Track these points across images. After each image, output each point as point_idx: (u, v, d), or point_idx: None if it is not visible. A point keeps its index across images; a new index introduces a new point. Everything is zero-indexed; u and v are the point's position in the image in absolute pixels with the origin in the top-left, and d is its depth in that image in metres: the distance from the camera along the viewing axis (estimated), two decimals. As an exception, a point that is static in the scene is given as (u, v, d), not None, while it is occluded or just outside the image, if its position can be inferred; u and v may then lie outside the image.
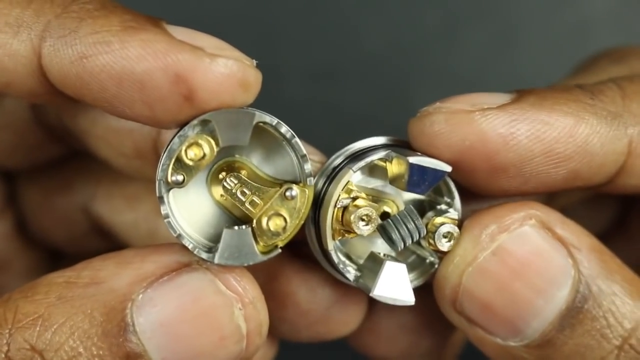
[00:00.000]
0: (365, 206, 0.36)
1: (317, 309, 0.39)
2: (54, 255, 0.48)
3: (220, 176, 0.36)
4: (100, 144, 0.43)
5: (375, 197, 0.37)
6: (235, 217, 0.36)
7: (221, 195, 0.36)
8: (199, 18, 0.68)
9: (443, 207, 0.37)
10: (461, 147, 0.35)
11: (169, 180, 0.34)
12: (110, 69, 0.33)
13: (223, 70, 0.33)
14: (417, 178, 0.35)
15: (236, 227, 0.35)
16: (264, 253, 0.35)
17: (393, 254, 0.38)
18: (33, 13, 0.34)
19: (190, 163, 0.34)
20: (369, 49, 0.69)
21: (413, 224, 0.36)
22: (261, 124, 0.34)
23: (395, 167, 0.36)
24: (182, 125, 0.34)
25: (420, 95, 0.68)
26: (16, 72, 0.34)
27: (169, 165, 0.34)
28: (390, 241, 0.36)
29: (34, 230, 0.47)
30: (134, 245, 0.45)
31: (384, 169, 0.37)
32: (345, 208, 0.36)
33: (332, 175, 0.37)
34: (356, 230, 0.36)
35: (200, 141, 0.34)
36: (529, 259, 0.35)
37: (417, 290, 0.36)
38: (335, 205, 0.36)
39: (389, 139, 0.38)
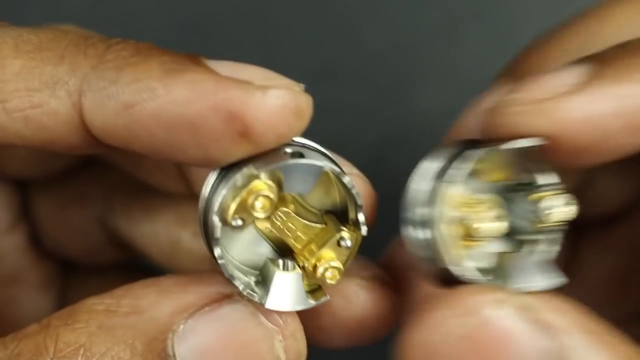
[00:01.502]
0: (486, 222, 0.34)
1: (353, 316, 0.39)
2: (66, 266, 0.48)
3: None
4: (122, 157, 0.43)
5: (489, 203, 0.36)
6: (272, 243, 0.36)
7: (266, 227, 0.35)
8: (199, 18, 0.68)
9: (540, 182, 0.36)
10: (542, 136, 0.34)
11: (230, 223, 0.33)
12: (158, 116, 0.32)
13: (276, 101, 0.32)
14: (516, 161, 0.34)
15: (288, 272, 0.34)
16: (312, 296, 0.35)
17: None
18: (68, 68, 0.33)
19: (255, 213, 0.33)
20: (369, 48, 0.69)
21: (527, 211, 0.35)
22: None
23: (488, 163, 0.35)
24: (229, 165, 0.33)
25: (420, 95, 0.68)
26: (57, 130, 0.34)
27: (230, 207, 0.32)
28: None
29: (48, 242, 0.46)
30: (153, 257, 0.44)
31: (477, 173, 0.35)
32: (461, 221, 0.35)
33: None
34: (485, 248, 0.35)
35: (266, 192, 0.33)
36: (494, 345, 0.33)
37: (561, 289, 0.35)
38: (447, 223, 0.34)
39: (455, 145, 0.36)
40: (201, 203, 0.34)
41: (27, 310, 0.46)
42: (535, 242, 0.36)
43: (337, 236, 0.35)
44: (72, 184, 0.45)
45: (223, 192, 0.33)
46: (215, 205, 0.33)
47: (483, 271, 0.35)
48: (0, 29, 0.35)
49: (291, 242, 0.35)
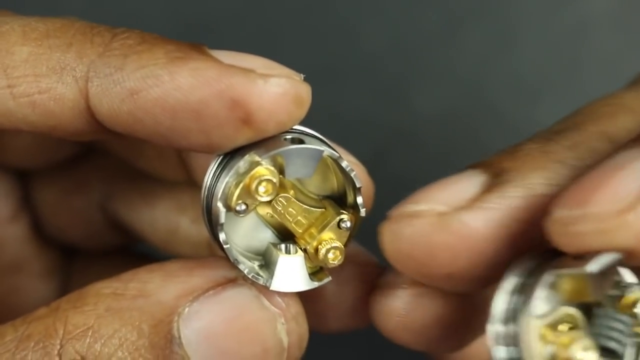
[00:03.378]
0: (579, 345, 0.31)
1: (345, 301, 0.39)
2: (69, 252, 0.48)
3: None
4: (122, 145, 0.43)
5: (570, 318, 0.32)
6: (273, 228, 0.37)
7: (267, 213, 0.36)
8: (199, 18, 0.68)
9: (623, 282, 0.32)
10: (619, 250, 0.31)
11: (234, 209, 0.34)
12: (163, 102, 0.32)
13: (277, 89, 0.32)
14: (597, 283, 0.31)
15: (291, 255, 0.36)
16: (315, 278, 0.36)
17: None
18: (75, 55, 0.34)
19: (259, 198, 0.34)
20: (369, 48, 0.69)
21: (617, 322, 0.32)
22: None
23: (568, 285, 0.32)
24: (230, 152, 0.34)
25: (420, 95, 0.68)
26: (63, 115, 0.34)
27: (234, 193, 0.33)
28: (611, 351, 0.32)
29: (50, 229, 0.47)
30: (153, 243, 0.45)
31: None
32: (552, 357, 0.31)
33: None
34: None
35: (270, 177, 0.33)
36: None
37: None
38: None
39: (534, 258, 0.34)
40: (203, 190, 0.35)
41: (31, 298, 0.47)
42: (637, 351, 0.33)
43: (338, 218, 0.35)
44: (73, 172, 0.46)
45: (227, 179, 0.33)
46: (219, 192, 0.34)
47: None
48: (8, 17, 0.36)
49: (292, 226, 0.36)
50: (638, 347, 0.33)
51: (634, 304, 0.31)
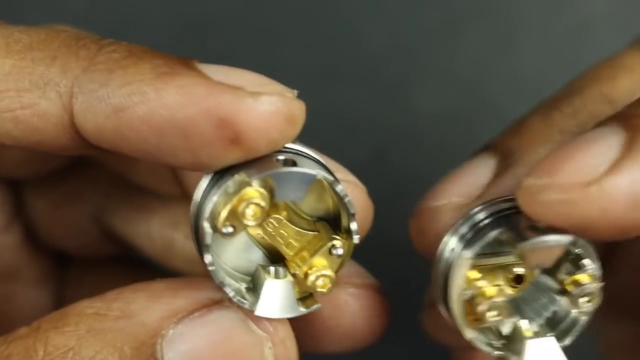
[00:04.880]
0: (492, 296, 0.34)
1: (343, 324, 0.39)
2: (63, 260, 0.48)
3: None
4: (113, 160, 0.42)
5: (502, 264, 0.35)
6: (264, 249, 0.36)
7: (258, 234, 0.35)
8: (199, 18, 0.68)
9: (580, 258, 0.34)
10: (585, 223, 0.32)
11: (221, 230, 0.32)
12: (149, 120, 0.31)
13: (268, 108, 0.31)
14: (538, 257, 0.33)
15: (279, 280, 0.34)
16: (302, 304, 0.35)
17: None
18: (59, 69, 0.33)
19: (246, 221, 0.32)
20: (369, 49, 0.69)
21: (544, 299, 0.35)
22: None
23: (513, 243, 0.34)
24: (221, 170, 0.33)
25: (420, 95, 0.68)
26: (46, 131, 0.33)
27: (221, 215, 0.32)
28: (528, 316, 0.35)
29: (43, 238, 0.46)
30: (148, 256, 0.44)
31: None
32: (472, 297, 0.35)
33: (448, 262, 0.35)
34: (487, 323, 0.34)
35: (257, 200, 0.32)
36: None
37: (565, 350, 0.35)
38: (459, 300, 0.35)
39: (493, 205, 0.35)
40: (193, 207, 0.34)
41: (25, 305, 0.46)
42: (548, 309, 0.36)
43: (329, 244, 0.34)
44: (65, 183, 0.45)
45: (214, 198, 0.32)
46: (207, 212, 0.32)
47: (494, 343, 0.35)
48: None
49: (283, 249, 0.35)
50: (551, 322, 0.35)
51: (574, 284, 0.34)
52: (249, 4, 0.69)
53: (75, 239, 0.46)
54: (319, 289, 0.34)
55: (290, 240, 0.35)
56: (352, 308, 0.39)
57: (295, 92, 0.33)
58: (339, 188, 0.34)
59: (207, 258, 0.33)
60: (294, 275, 0.35)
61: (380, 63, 0.69)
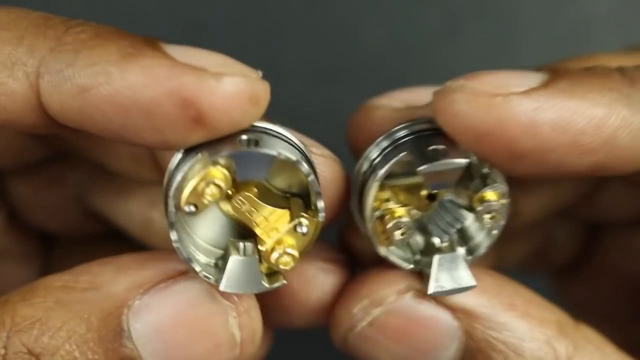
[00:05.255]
0: (399, 216, 0.35)
1: (312, 298, 0.39)
2: (49, 239, 0.48)
3: (229, 192, 0.35)
4: (92, 148, 0.43)
5: (413, 184, 0.36)
6: (236, 223, 0.36)
7: (229, 210, 0.36)
8: (199, 18, 0.68)
9: (488, 177, 0.36)
10: (480, 131, 0.33)
11: (183, 210, 0.33)
12: (113, 100, 0.32)
13: (230, 88, 0.32)
14: (437, 179, 0.34)
15: (243, 257, 0.35)
16: (268, 279, 0.35)
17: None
18: (26, 50, 0.33)
19: (205, 200, 0.33)
20: (369, 49, 0.69)
21: (450, 217, 0.36)
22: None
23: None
24: (191, 148, 0.33)
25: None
26: (14, 110, 0.34)
27: (181, 195, 0.33)
28: (439, 232, 0.37)
29: (27, 220, 0.47)
30: (130, 234, 0.45)
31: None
32: (382, 216, 0.36)
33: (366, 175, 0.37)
34: (395, 241, 0.36)
35: (217, 181, 0.33)
36: (408, 329, 0.36)
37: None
38: (372, 218, 0.36)
39: (411, 125, 0.37)
40: (163, 186, 0.35)
41: (11, 282, 0.46)
42: (464, 241, 0.38)
43: (296, 221, 0.35)
44: (47, 169, 0.46)
45: (177, 178, 0.33)
46: (171, 191, 0.33)
47: (410, 258, 0.37)
48: None
49: (252, 225, 0.35)
50: (461, 239, 0.38)
51: (481, 201, 0.35)
52: (248, 3, 0.69)
53: (59, 220, 0.47)
54: (281, 266, 0.35)
55: (260, 216, 0.35)
56: (320, 282, 0.39)
57: (260, 72, 0.33)
58: (304, 168, 0.34)
59: (173, 235, 0.33)
60: (259, 252, 0.35)
61: (380, 63, 0.69)
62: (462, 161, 0.34)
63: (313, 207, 0.35)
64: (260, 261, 0.35)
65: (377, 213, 0.36)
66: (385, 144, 0.36)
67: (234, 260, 0.35)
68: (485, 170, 0.35)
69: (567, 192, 0.45)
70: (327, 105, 0.66)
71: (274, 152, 0.33)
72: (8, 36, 0.34)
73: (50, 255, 0.48)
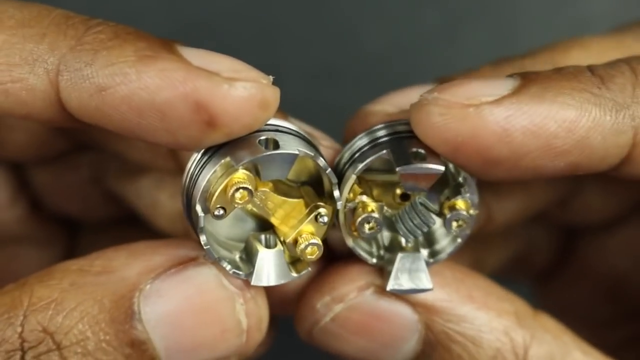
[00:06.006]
0: (370, 211, 0.36)
1: (289, 288, 0.40)
2: (72, 225, 0.49)
3: None
4: (110, 141, 0.44)
5: (392, 181, 0.37)
6: (254, 218, 0.38)
7: (247, 206, 0.36)
8: (199, 18, 0.68)
9: (460, 186, 0.37)
10: (455, 141, 0.34)
11: (213, 213, 0.34)
12: (130, 101, 0.33)
13: (241, 93, 0.33)
14: (412, 182, 0.35)
15: (270, 250, 0.36)
16: (294, 268, 0.37)
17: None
18: (47, 47, 0.34)
19: (235, 204, 0.34)
20: (369, 49, 0.69)
21: (419, 219, 0.37)
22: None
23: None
24: (209, 148, 0.34)
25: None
26: (34, 105, 0.35)
27: (212, 199, 0.34)
28: (406, 232, 0.37)
29: (48, 206, 0.48)
30: (140, 215, 0.46)
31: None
32: (354, 209, 0.37)
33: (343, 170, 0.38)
34: (362, 234, 0.37)
35: (245, 184, 0.34)
36: (369, 324, 0.37)
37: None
38: (344, 209, 0.37)
39: (393, 125, 0.38)
40: (183, 185, 0.36)
41: (32, 265, 0.48)
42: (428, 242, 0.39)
43: (316, 212, 0.36)
44: (64, 157, 0.47)
45: (204, 182, 0.34)
46: (197, 195, 0.34)
47: (375, 253, 0.38)
48: None
49: (271, 218, 0.36)
50: (426, 241, 0.39)
51: (450, 209, 0.36)
52: (249, 3, 0.69)
53: (79, 204, 0.48)
54: (308, 256, 0.36)
55: (277, 209, 0.36)
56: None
57: (271, 78, 0.34)
58: (321, 161, 0.35)
59: (202, 239, 0.35)
60: (283, 242, 0.36)
61: (380, 63, 0.69)
62: (439, 168, 0.35)
63: (326, 195, 0.36)
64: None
65: (350, 205, 0.36)
66: (366, 140, 0.37)
67: (262, 254, 0.36)
68: (460, 179, 0.36)
69: (539, 198, 0.45)
70: (327, 105, 0.66)
71: (295, 151, 0.35)
72: (30, 33, 0.35)
73: (76, 243, 0.50)
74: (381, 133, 0.37)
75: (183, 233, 0.44)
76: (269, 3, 0.69)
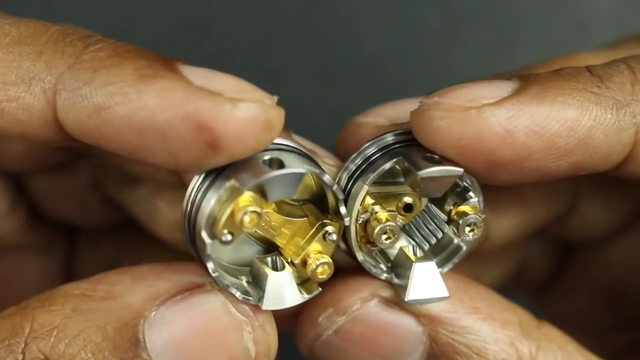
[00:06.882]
0: (385, 221, 0.36)
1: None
2: (71, 232, 0.49)
3: None
4: (110, 155, 0.43)
5: (394, 192, 0.37)
6: (258, 241, 0.37)
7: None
8: (200, 18, 0.68)
9: (466, 191, 0.36)
10: (459, 145, 0.34)
11: (220, 239, 0.33)
12: (129, 121, 0.32)
13: (245, 115, 0.32)
14: (430, 186, 0.35)
15: (280, 272, 0.35)
16: (304, 289, 0.36)
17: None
18: (44, 65, 0.33)
19: (244, 228, 0.33)
20: (369, 49, 0.69)
21: (434, 224, 0.37)
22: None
23: (407, 172, 0.36)
24: (211, 170, 0.33)
25: (420, 96, 0.68)
26: (31, 124, 0.34)
27: (219, 224, 0.33)
28: (415, 242, 0.37)
29: (47, 213, 0.47)
30: (139, 222, 0.45)
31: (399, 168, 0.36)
32: (367, 221, 0.36)
33: (349, 188, 0.37)
34: (380, 245, 0.36)
35: (254, 207, 0.32)
36: (372, 336, 0.37)
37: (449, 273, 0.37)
38: (356, 222, 0.36)
39: (398, 134, 0.37)
40: (185, 208, 0.35)
41: (32, 273, 0.47)
42: (438, 252, 0.38)
43: (323, 230, 0.35)
44: (63, 165, 0.46)
45: (209, 207, 0.33)
46: (203, 221, 0.33)
47: (379, 266, 0.38)
48: None
49: (276, 239, 0.36)
50: (435, 249, 0.38)
51: (460, 215, 0.36)
52: (249, 4, 0.69)
53: (77, 209, 0.47)
54: (319, 276, 0.35)
55: (281, 229, 0.35)
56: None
57: (276, 98, 0.33)
58: (326, 178, 0.34)
59: (210, 266, 0.33)
60: (291, 263, 0.35)
61: (380, 63, 0.69)
62: (459, 169, 0.35)
63: (331, 212, 0.35)
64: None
65: (364, 216, 0.36)
66: (373, 150, 0.37)
67: (272, 278, 0.35)
68: (465, 183, 0.36)
69: (537, 216, 0.45)
70: (327, 105, 0.66)
71: (302, 170, 0.33)
72: (27, 50, 0.34)
73: (75, 248, 0.49)
74: (388, 141, 0.37)
75: (182, 242, 0.42)
76: (269, 4, 0.69)
